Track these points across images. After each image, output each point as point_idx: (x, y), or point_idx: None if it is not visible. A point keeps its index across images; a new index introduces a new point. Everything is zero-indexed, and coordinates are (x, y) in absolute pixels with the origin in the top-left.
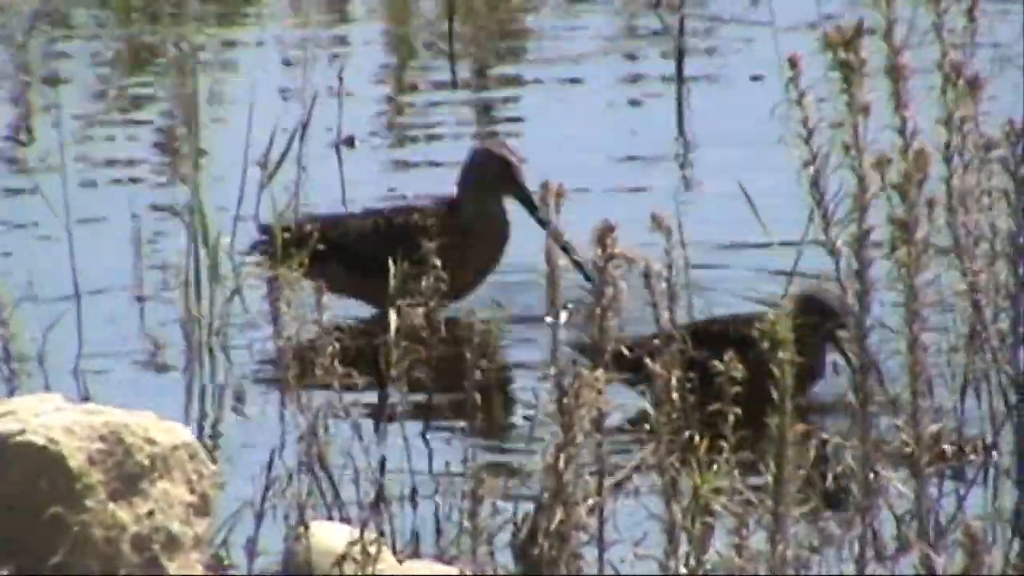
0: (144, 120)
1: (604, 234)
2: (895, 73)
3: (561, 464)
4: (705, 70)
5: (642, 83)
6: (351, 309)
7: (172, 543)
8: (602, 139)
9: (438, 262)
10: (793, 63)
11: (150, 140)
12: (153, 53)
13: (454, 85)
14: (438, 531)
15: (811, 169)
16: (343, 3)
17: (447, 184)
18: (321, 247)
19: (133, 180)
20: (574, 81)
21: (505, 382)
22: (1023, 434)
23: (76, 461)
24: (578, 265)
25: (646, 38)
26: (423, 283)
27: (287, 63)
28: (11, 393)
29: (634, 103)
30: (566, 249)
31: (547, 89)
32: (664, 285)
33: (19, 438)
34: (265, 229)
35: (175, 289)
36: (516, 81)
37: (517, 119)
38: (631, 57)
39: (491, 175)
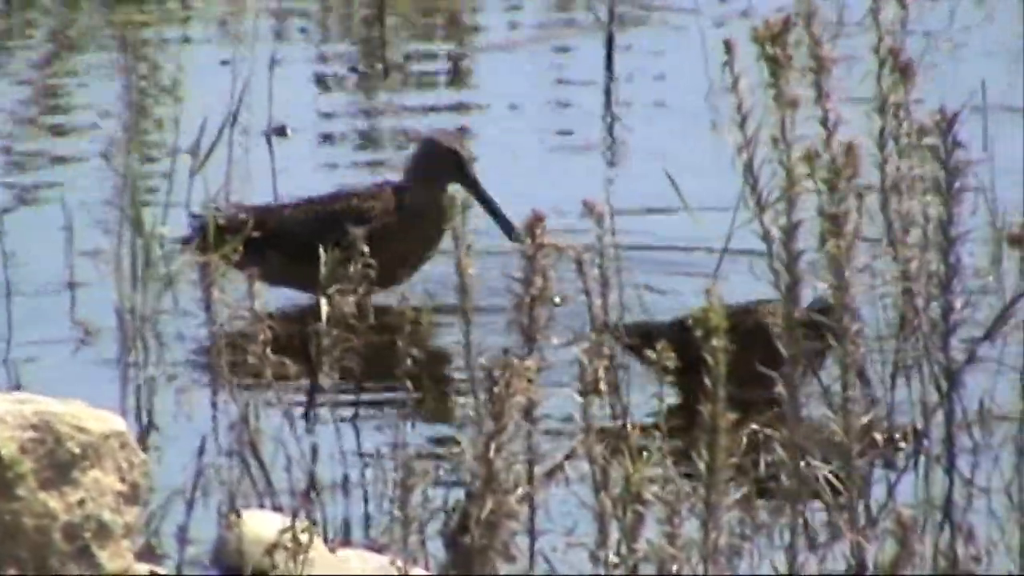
0: (77, 108)
1: (534, 224)
2: (818, 64)
3: (491, 453)
4: (635, 58)
5: (573, 69)
6: (282, 298)
7: (103, 532)
8: (534, 129)
9: (366, 248)
10: (728, 47)
11: (82, 128)
12: (83, 41)
13: (385, 73)
14: (369, 519)
15: (745, 154)
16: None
17: (381, 173)
18: (255, 236)
19: (65, 167)
20: (505, 70)
21: (437, 370)
22: (954, 422)
23: (7, 450)
24: (503, 222)
25: (577, 27)
26: (352, 270)
27: (224, 62)
28: None
29: (564, 84)
30: (488, 204)
31: (479, 80)
32: (596, 271)
33: None
34: (196, 219)
35: (107, 277)
36: (447, 70)
37: (452, 108)
38: (562, 48)
39: (440, 166)
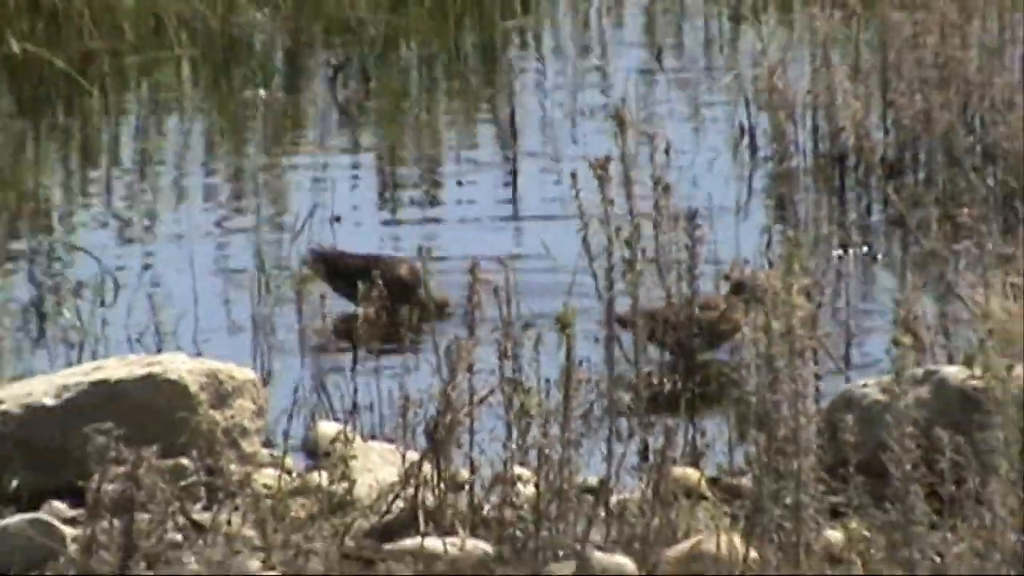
0: (233, 214)
1: (473, 266)
2: (628, 188)
3: (450, 390)
4: (534, 157)
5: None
6: (344, 309)
7: (244, 432)
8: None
9: (381, 283)
10: (573, 176)
11: (230, 224)
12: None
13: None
14: (384, 424)
15: (582, 235)
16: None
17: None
18: (358, 271)
19: (224, 242)
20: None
21: (424, 342)
22: (695, 387)
23: (193, 388)
24: None
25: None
26: (372, 293)
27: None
28: (158, 351)
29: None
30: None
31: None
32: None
33: (163, 376)
34: (317, 255)
35: (246, 295)
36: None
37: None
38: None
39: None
